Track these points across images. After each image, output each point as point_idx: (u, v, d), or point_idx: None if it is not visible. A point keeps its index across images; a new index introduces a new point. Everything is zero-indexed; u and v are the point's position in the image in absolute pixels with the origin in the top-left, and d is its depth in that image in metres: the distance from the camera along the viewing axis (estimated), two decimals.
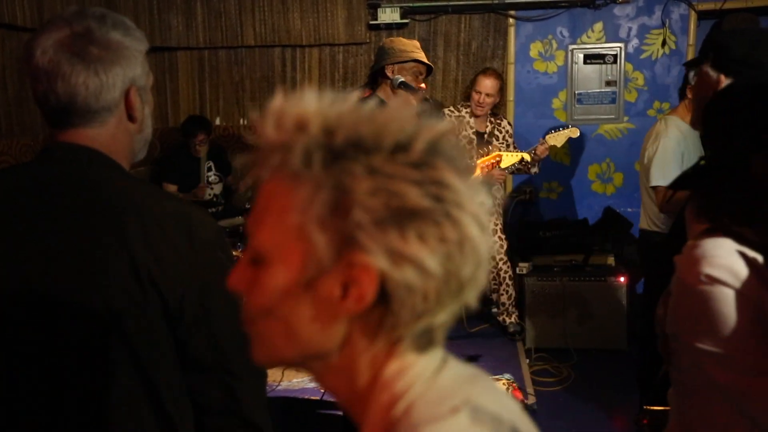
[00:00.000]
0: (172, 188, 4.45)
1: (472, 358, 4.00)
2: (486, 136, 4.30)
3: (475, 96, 4.19)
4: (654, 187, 3.16)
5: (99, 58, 1.05)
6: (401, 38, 2.92)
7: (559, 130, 4.12)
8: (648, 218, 3.36)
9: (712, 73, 1.81)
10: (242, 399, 1.10)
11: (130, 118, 1.12)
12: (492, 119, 4.33)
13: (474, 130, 4.27)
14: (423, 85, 2.86)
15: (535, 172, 4.31)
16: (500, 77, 4.31)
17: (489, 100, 4.21)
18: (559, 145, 4.18)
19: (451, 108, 4.35)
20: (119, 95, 1.09)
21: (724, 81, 1.76)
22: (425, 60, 2.84)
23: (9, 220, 1.05)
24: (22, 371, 1.04)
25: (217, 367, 1.08)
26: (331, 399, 3.42)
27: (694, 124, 2.02)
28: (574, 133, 4.15)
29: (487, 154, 3.55)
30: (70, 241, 1.03)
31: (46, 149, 1.11)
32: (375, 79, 2.91)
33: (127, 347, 1.03)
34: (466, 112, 4.27)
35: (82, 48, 1.05)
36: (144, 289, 1.02)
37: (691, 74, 1.98)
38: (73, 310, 1.02)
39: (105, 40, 1.06)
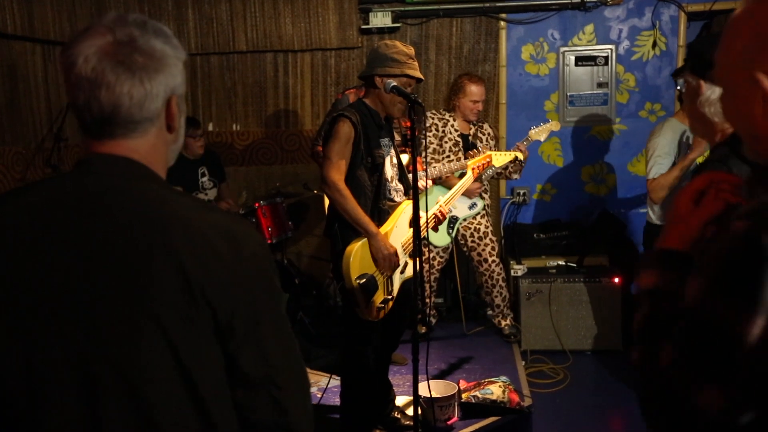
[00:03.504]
0: None
1: (468, 361, 4.00)
2: (470, 138, 4.33)
3: (470, 105, 4.23)
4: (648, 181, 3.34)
5: (144, 66, 1.02)
6: (396, 43, 2.86)
7: (540, 125, 4.15)
8: (652, 211, 3.47)
9: (692, 80, 1.83)
10: (290, 412, 1.07)
11: (169, 128, 1.10)
12: (474, 122, 4.37)
13: (459, 132, 4.30)
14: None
15: (516, 178, 4.35)
16: (483, 80, 4.37)
17: (482, 105, 4.30)
18: (542, 140, 4.21)
19: (434, 111, 4.38)
20: (161, 105, 1.06)
21: (704, 86, 1.77)
22: (417, 74, 2.82)
23: (52, 233, 1.01)
24: (63, 386, 1.00)
25: (267, 382, 1.05)
26: (329, 402, 3.42)
27: (693, 129, 2.04)
28: (555, 126, 4.17)
29: (476, 155, 3.56)
30: (116, 254, 1.00)
31: (85, 161, 1.06)
32: (365, 81, 2.90)
33: (175, 362, 1.00)
34: (450, 116, 4.30)
35: (127, 56, 1.01)
36: (196, 303, 0.99)
37: (680, 82, 1.99)
38: (120, 325, 0.99)
39: (148, 48, 1.03)
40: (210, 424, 1.04)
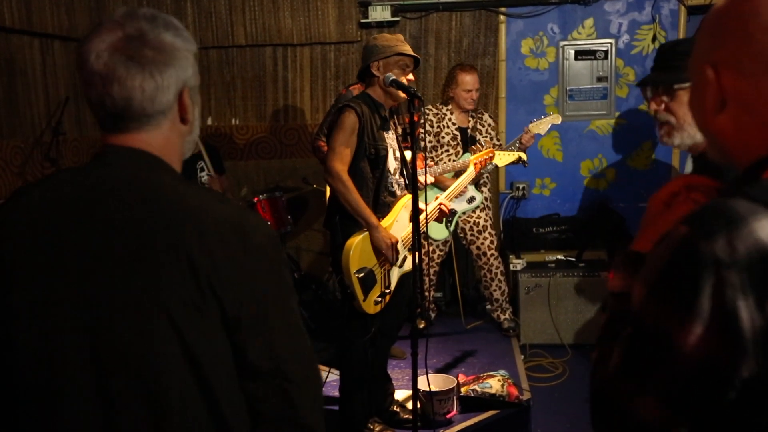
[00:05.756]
0: None
1: (467, 355, 4.01)
2: (469, 131, 4.32)
3: (464, 94, 4.22)
4: None
5: (153, 60, 1.04)
6: (384, 34, 2.90)
7: (541, 118, 4.14)
8: None
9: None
10: (299, 405, 1.08)
11: (182, 120, 1.12)
12: (473, 114, 4.35)
13: (456, 126, 4.28)
14: (411, 77, 2.86)
15: (526, 164, 4.31)
16: (476, 69, 4.35)
17: (476, 94, 4.28)
18: (542, 133, 4.19)
19: (429, 107, 4.37)
20: (173, 97, 1.08)
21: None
22: (409, 52, 2.84)
23: (64, 225, 1.03)
24: (73, 379, 1.01)
25: (275, 373, 1.06)
26: (328, 396, 3.42)
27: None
28: (556, 119, 4.16)
29: (479, 151, 3.56)
30: (128, 245, 1.02)
31: (102, 153, 1.08)
32: (364, 78, 2.91)
33: (185, 354, 1.01)
34: (447, 110, 4.29)
35: (137, 50, 1.03)
36: (203, 295, 1.00)
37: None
38: (130, 316, 1.01)
39: (158, 41, 1.05)
40: (219, 415, 1.04)
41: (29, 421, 1.03)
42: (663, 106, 1.84)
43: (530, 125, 4.11)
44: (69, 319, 1.01)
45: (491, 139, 4.36)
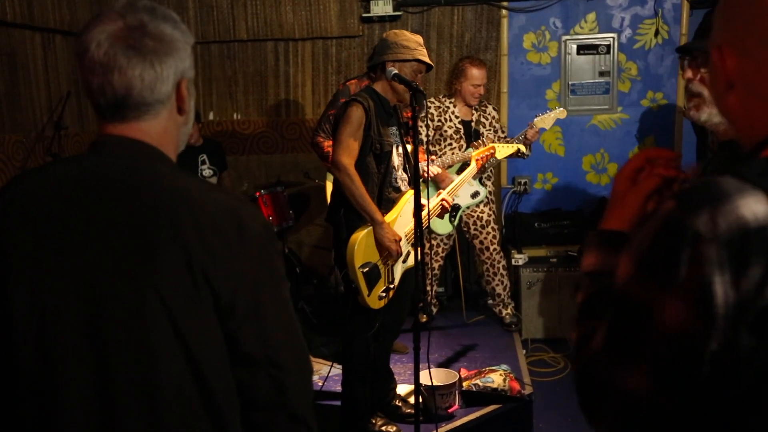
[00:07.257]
0: None
1: (469, 349, 4.01)
2: (473, 124, 4.30)
3: (471, 89, 4.19)
4: None
5: (154, 50, 1.05)
6: (405, 32, 2.86)
7: (547, 113, 4.12)
8: None
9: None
10: (289, 393, 1.10)
11: (179, 110, 1.13)
12: (477, 106, 4.33)
13: (460, 119, 4.26)
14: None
15: (527, 156, 4.30)
16: (485, 64, 4.33)
17: (483, 90, 4.24)
18: (547, 128, 4.18)
19: (432, 99, 4.34)
20: (171, 88, 1.09)
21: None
22: (427, 60, 2.82)
23: (62, 212, 1.05)
24: (70, 365, 1.02)
25: (266, 361, 1.08)
26: (330, 390, 3.43)
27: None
28: (562, 114, 4.13)
29: (480, 146, 3.55)
30: (123, 235, 1.03)
31: (99, 142, 1.10)
32: (374, 70, 2.89)
33: (179, 341, 1.03)
34: (450, 103, 4.27)
35: (138, 40, 1.04)
36: (197, 283, 1.02)
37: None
38: (126, 304, 1.02)
39: (158, 32, 1.06)
40: (213, 402, 1.06)
41: (29, 414, 1.04)
42: (698, 77, 1.74)
43: (535, 120, 4.09)
44: (66, 310, 1.02)
45: (495, 131, 4.33)
